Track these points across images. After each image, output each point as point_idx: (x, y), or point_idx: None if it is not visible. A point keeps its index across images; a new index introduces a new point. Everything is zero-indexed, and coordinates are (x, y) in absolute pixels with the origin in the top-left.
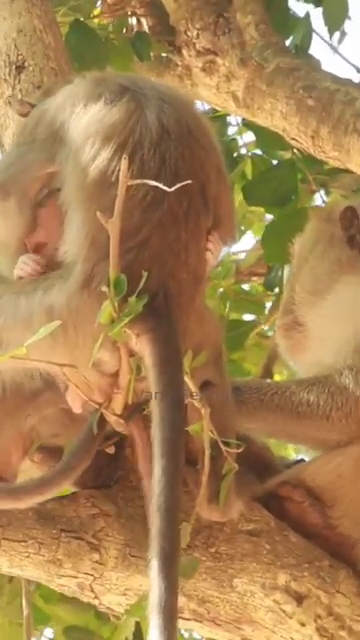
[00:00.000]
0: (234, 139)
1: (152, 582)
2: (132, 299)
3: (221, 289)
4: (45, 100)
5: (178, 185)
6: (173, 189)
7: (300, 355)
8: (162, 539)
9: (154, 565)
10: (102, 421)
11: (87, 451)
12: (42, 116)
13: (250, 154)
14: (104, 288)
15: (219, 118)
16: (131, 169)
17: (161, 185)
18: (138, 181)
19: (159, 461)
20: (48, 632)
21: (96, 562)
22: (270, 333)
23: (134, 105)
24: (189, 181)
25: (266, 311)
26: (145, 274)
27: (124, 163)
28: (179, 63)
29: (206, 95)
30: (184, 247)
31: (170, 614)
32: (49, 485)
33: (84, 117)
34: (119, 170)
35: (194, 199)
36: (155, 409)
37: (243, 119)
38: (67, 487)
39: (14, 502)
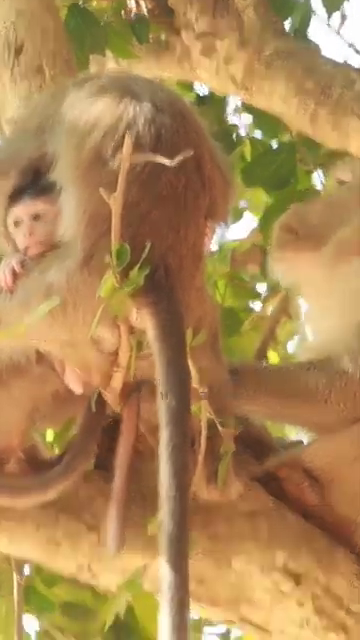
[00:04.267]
0: (233, 121)
1: (162, 558)
2: (134, 271)
3: (217, 276)
4: (43, 94)
5: (179, 156)
6: (175, 161)
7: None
8: (171, 518)
9: (163, 540)
10: (101, 403)
11: (87, 451)
12: (46, 105)
13: (249, 136)
14: (107, 258)
15: (218, 101)
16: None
17: (162, 159)
18: (141, 155)
19: (165, 429)
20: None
21: (94, 542)
22: (267, 314)
23: (127, 91)
24: (190, 151)
25: (261, 297)
26: (148, 244)
27: (127, 138)
28: (178, 46)
29: (205, 77)
30: (184, 222)
31: (182, 600)
32: (50, 486)
33: (77, 104)
34: (114, 146)
35: (192, 176)
36: (160, 381)
37: (242, 101)
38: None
39: (12, 500)
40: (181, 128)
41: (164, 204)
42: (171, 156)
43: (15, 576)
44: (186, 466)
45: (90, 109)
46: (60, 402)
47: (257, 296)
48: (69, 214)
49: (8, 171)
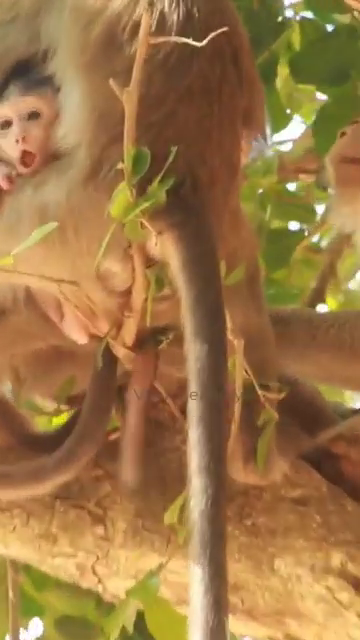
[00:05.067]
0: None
1: (192, 548)
2: (153, 184)
3: (260, 190)
4: None
5: (211, 35)
6: (206, 41)
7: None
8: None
9: (195, 522)
10: (110, 361)
11: (96, 433)
12: None
13: (298, 18)
14: (119, 165)
15: None
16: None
17: (190, 41)
18: (163, 38)
19: (194, 383)
20: (38, 623)
21: (100, 537)
22: (323, 245)
23: None
24: (225, 28)
25: (318, 217)
26: (174, 149)
27: (145, 15)
28: None
29: None
30: (217, 125)
31: (218, 599)
32: (45, 477)
33: None
34: (132, 26)
35: (228, 68)
36: (187, 324)
37: None
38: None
39: (2, 491)
40: (217, 9)
41: (194, 100)
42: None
43: (10, 574)
44: (222, 428)
45: None
46: (53, 361)
47: (312, 217)
48: (71, 113)
49: None
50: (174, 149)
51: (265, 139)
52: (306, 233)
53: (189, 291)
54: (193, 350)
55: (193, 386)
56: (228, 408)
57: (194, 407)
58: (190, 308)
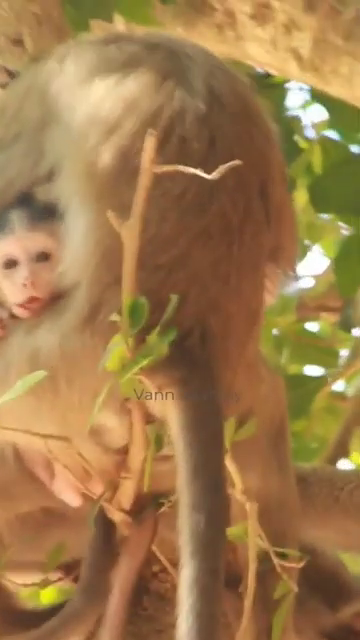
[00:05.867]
0: (296, 116)
1: None
2: (153, 334)
3: (276, 330)
4: (31, 68)
5: (222, 168)
6: (215, 174)
7: None
8: None
9: None
10: (107, 524)
11: (85, 612)
12: (27, 94)
13: (320, 138)
14: (115, 316)
15: (275, 86)
16: (165, 151)
17: (198, 171)
18: (169, 167)
19: (189, 563)
20: None
21: None
22: (348, 392)
23: (170, 65)
24: (237, 162)
25: (341, 361)
26: (175, 298)
27: (149, 139)
28: (218, 7)
29: (256, 53)
30: (237, 268)
31: None
32: None
33: (92, 87)
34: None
35: (253, 203)
36: (184, 494)
37: (310, 88)
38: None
39: None
40: (245, 134)
41: (211, 241)
42: (228, 172)
43: None
44: (215, 620)
45: (115, 94)
46: (41, 525)
47: (334, 361)
48: (74, 247)
49: None
50: (175, 298)
51: (295, 275)
52: (328, 379)
53: (187, 459)
54: (187, 527)
55: (185, 569)
56: (238, 582)
57: (184, 595)
58: (187, 479)
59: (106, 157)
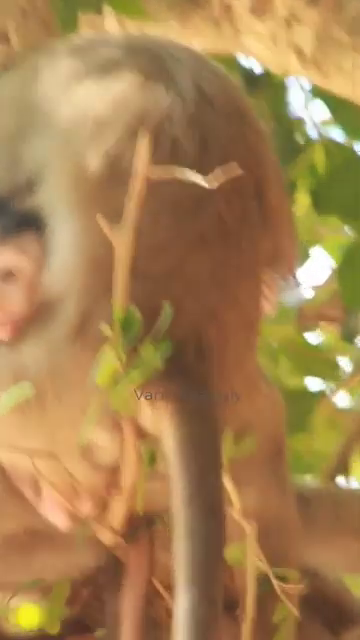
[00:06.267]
0: (298, 115)
1: None
2: (147, 347)
3: (273, 340)
4: (2, 77)
5: (221, 175)
6: (215, 183)
7: None
8: None
9: None
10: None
11: None
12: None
13: (323, 138)
14: (105, 329)
15: (275, 84)
16: (156, 153)
17: (197, 177)
18: (162, 172)
19: (184, 593)
20: None
21: None
22: (349, 406)
23: (155, 67)
24: (236, 166)
25: (343, 374)
26: (168, 307)
27: (142, 141)
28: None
29: (255, 48)
30: (234, 275)
31: None
32: None
33: (74, 93)
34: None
35: (249, 205)
36: (179, 518)
37: (312, 85)
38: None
39: None
40: (238, 134)
41: (207, 247)
42: (220, 174)
43: None
44: None
45: (99, 97)
46: (27, 546)
47: (336, 373)
48: (61, 257)
49: None
50: (168, 307)
51: (296, 282)
52: (329, 392)
53: (182, 480)
54: (182, 551)
55: (180, 595)
56: (236, 605)
57: (180, 624)
58: (181, 501)
59: (94, 162)
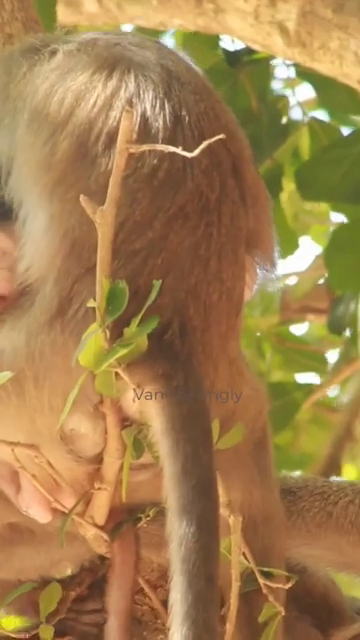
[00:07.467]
0: (282, 96)
1: None
2: (132, 325)
3: (258, 332)
4: None
5: (206, 142)
6: (197, 151)
7: None
8: None
9: None
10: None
11: None
12: None
13: (308, 119)
14: (91, 302)
15: (259, 63)
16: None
17: (181, 151)
18: (146, 146)
19: (181, 569)
20: None
21: None
22: (339, 401)
23: (116, 52)
24: (222, 135)
25: (330, 367)
26: (157, 284)
27: (125, 117)
28: None
29: (238, 27)
30: (216, 252)
31: None
32: None
33: (42, 80)
34: (109, 131)
35: (228, 181)
36: (172, 497)
37: (296, 65)
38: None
39: None
40: (209, 109)
41: (188, 223)
42: (198, 147)
43: None
44: (213, 628)
45: (65, 85)
46: (6, 543)
47: (323, 367)
48: (36, 242)
49: None
50: (157, 283)
51: (275, 268)
52: (315, 387)
53: (174, 459)
54: (177, 532)
55: (177, 576)
56: (221, 603)
57: (178, 601)
58: (175, 480)
59: (63, 144)
